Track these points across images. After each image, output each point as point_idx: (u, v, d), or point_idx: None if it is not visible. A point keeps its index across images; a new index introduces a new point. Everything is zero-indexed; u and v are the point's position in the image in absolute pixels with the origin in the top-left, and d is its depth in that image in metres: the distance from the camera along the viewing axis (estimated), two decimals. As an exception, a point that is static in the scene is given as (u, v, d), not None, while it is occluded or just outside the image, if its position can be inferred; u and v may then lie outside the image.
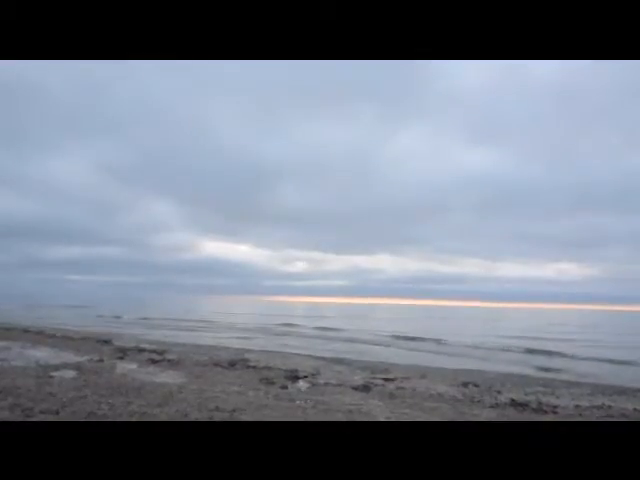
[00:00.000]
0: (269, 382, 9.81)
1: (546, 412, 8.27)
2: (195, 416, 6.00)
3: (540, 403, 9.10)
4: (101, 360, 11.73)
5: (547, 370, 15.58)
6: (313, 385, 9.89)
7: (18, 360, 10.97)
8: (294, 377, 10.83)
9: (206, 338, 23.16)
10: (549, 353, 21.13)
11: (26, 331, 20.38)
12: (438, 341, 26.00)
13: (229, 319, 43.46)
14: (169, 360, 12.72)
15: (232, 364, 12.63)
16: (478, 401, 9.06)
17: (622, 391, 11.36)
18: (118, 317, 40.86)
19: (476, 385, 11.19)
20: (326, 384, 10.16)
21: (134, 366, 11.08)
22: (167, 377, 9.64)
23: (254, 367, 12.43)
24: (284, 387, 9.31)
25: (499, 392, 10.36)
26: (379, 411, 7.29)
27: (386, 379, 11.47)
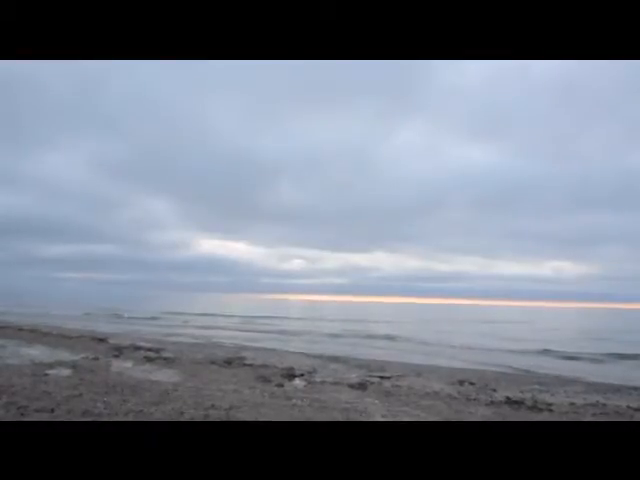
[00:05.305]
0: (265, 380, 9.81)
1: (541, 410, 8.31)
2: (191, 414, 5.98)
3: (535, 401, 9.14)
4: (96, 358, 11.68)
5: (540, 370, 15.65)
6: (309, 383, 9.90)
7: (13, 358, 10.91)
8: (290, 375, 10.83)
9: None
10: (545, 353, 21.22)
11: (20, 329, 20.28)
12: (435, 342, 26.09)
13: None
14: (165, 358, 12.68)
15: (228, 362, 12.61)
16: (474, 399, 9.10)
17: (616, 389, 11.44)
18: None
19: (472, 383, 11.22)
20: (322, 382, 10.16)
21: (130, 364, 11.04)
22: (163, 375, 9.61)
23: (250, 365, 12.42)
24: (280, 385, 9.30)
25: (494, 390, 10.40)
26: (375, 409, 7.30)
27: (382, 377, 11.49)
